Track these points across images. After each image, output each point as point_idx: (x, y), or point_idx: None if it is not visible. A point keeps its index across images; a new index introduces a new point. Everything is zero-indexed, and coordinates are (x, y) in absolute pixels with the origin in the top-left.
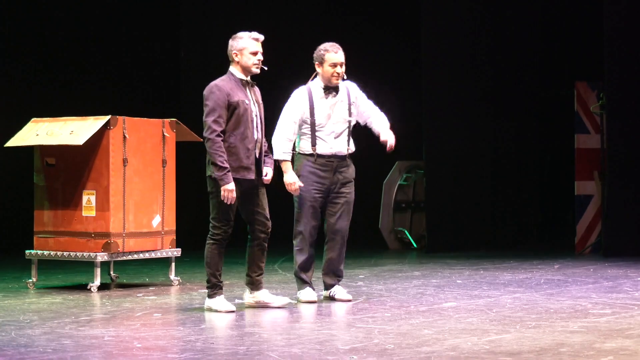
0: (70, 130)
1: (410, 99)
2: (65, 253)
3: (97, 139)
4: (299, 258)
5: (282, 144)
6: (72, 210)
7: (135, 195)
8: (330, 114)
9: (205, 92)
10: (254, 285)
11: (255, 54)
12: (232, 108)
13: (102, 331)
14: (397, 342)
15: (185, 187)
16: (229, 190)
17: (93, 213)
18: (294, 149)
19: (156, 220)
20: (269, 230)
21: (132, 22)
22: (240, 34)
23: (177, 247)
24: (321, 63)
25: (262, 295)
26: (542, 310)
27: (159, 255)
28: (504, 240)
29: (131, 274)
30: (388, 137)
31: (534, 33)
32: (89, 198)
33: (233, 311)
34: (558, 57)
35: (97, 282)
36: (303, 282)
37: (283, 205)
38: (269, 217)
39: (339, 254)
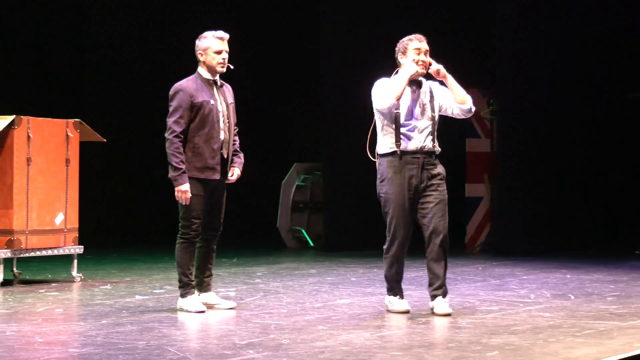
0: None
1: (308, 104)
2: None
3: (2, 139)
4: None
5: (385, 97)
6: None
7: (39, 194)
8: (413, 107)
9: (170, 92)
10: (202, 287)
11: (219, 52)
12: (196, 109)
13: (4, 326)
14: (293, 337)
15: (88, 186)
16: (182, 191)
17: None
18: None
19: (59, 218)
20: (220, 232)
21: (37, 22)
22: (205, 34)
23: (79, 245)
24: (404, 52)
25: (209, 297)
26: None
27: (61, 252)
28: None
29: (34, 271)
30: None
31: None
32: None
33: (203, 311)
34: (452, 65)
35: (0, 278)
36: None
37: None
38: (222, 219)
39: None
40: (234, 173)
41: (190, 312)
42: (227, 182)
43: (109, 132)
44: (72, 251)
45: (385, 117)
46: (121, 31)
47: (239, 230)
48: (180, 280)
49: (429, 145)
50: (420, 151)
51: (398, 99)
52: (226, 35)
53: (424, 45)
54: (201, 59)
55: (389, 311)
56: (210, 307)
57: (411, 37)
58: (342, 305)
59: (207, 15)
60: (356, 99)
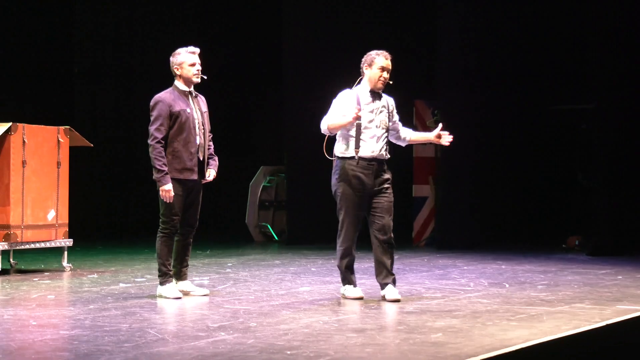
0: None
1: (273, 111)
2: None
3: (0, 143)
4: None
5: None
6: None
7: (33, 192)
8: (373, 118)
9: (151, 103)
10: (179, 276)
11: (193, 65)
12: (174, 117)
13: (2, 311)
14: (260, 321)
15: (77, 186)
16: (166, 190)
17: None
18: (330, 152)
19: (51, 214)
20: (196, 228)
21: (28, 41)
22: (178, 50)
23: (69, 238)
24: (370, 65)
25: (185, 285)
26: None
27: (53, 244)
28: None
29: (28, 261)
30: (424, 138)
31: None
32: None
33: (180, 298)
34: (400, 79)
35: None
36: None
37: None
38: (198, 216)
39: None
40: (210, 174)
41: (168, 298)
42: (203, 182)
43: (95, 137)
44: (63, 244)
45: (348, 127)
46: (106, 46)
47: (211, 226)
48: (159, 270)
49: (382, 153)
50: (375, 159)
51: (331, 134)
52: (197, 50)
53: (389, 64)
54: (177, 72)
55: (345, 298)
56: (186, 294)
57: (379, 52)
58: (303, 292)
59: (177, 26)
60: (315, 108)
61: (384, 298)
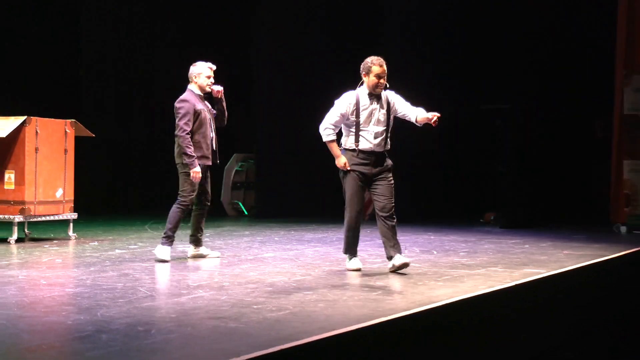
0: None
1: (244, 104)
2: None
3: (16, 133)
4: None
5: (327, 130)
6: None
7: (44, 174)
8: (371, 117)
9: (177, 103)
10: (197, 243)
11: (209, 77)
12: (196, 115)
13: (17, 272)
14: (232, 281)
15: (81, 169)
16: (196, 172)
17: (12, 187)
18: (339, 144)
19: (59, 192)
20: (210, 201)
21: (35, 43)
22: (199, 63)
23: (74, 212)
24: (367, 73)
25: (203, 250)
26: (334, 259)
27: (61, 217)
28: (310, 210)
29: (40, 231)
30: (426, 117)
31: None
32: (9, 176)
33: (167, 261)
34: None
35: (15, 236)
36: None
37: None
38: (210, 192)
39: None
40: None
41: (158, 257)
42: (219, 95)
43: (97, 129)
44: (69, 217)
45: (348, 123)
46: (110, 47)
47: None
48: (166, 233)
49: (381, 146)
50: (373, 151)
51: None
52: (214, 67)
53: (384, 71)
54: (194, 79)
55: (347, 269)
56: (203, 257)
57: (374, 61)
58: (268, 257)
59: (167, 26)
60: (282, 107)
61: (393, 266)
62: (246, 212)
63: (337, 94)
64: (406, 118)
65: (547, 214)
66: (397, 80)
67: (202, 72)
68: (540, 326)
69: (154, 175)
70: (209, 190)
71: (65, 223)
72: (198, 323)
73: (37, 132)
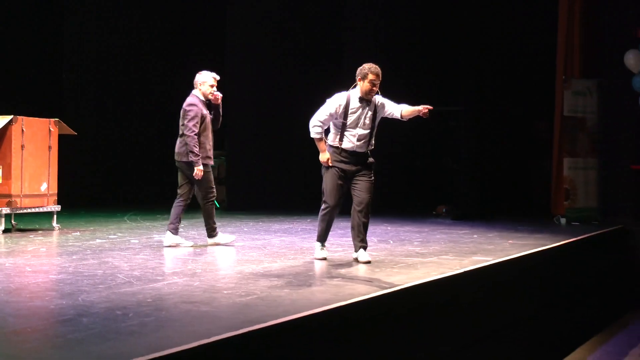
0: None
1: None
2: None
3: (3, 131)
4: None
5: (315, 127)
6: None
7: (30, 169)
8: (357, 121)
9: (186, 107)
10: (213, 232)
11: (212, 86)
12: (202, 118)
13: (4, 260)
14: (203, 268)
15: (64, 165)
16: (200, 170)
17: (0, 181)
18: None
19: (44, 186)
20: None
21: (18, 45)
22: (204, 72)
23: (58, 205)
24: (363, 78)
25: (218, 239)
26: (299, 248)
27: (45, 209)
28: (277, 203)
29: (26, 222)
30: (415, 110)
31: (375, 72)
32: None
33: (172, 246)
34: (310, 77)
35: (2, 227)
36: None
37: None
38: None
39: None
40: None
41: (165, 243)
42: (218, 101)
43: (79, 127)
44: (53, 209)
45: (336, 123)
46: (91, 51)
47: (171, 197)
48: (172, 223)
49: (363, 147)
50: (355, 151)
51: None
52: (218, 77)
53: (379, 78)
54: (199, 87)
55: (314, 258)
56: (219, 244)
57: (372, 68)
58: (238, 247)
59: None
60: (251, 107)
61: (356, 259)
62: (218, 205)
63: (302, 94)
64: (392, 116)
65: (494, 207)
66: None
67: (206, 81)
68: (488, 309)
69: (134, 171)
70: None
71: (49, 215)
72: (172, 307)
73: (23, 130)
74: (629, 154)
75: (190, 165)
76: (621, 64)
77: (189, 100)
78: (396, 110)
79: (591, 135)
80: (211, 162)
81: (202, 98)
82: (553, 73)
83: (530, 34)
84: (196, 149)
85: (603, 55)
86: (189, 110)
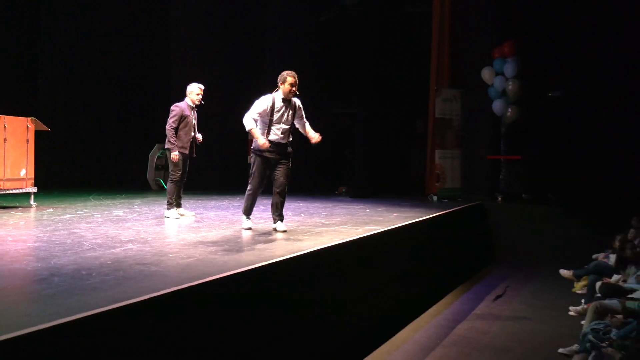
0: None
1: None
2: None
3: None
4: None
5: (249, 121)
6: None
7: (11, 158)
8: (281, 117)
9: (172, 107)
10: (179, 205)
11: (198, 94)
12: (183, 118)
13: None
14: (154, 237)
15: (40, 154)
16: (175, 155)
17: None
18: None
19: (23, 172)
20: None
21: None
22: (193, 84)
23: (34, 187)
24: (283, 82)
25: (181, 210)
26: (230, 220)
27: (24, 190)
28: (213, 184)
29: (8, 201)
30: (314, 136)
31: (292, 76)
32: None
33: (178, 218)
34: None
35: None
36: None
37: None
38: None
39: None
40: (200, 137)
41: (170, 218)
42: (199, 141)
43: (52, 124)
44: (30, 190)
45: (263, 119)
46: (68, 51)
47: (127, 180)
48: (168, 201)
49: (285, 138)
50: (278, 142)
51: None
52: (203, 87)
53: (296, 81)
54: (188, 95)
55: (242, 228)
56: (182, 215)
57: (290, 74)
58: (182, 218)
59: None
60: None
61: (275, 229)
62: (165, 187)
63: (237, 91)
64: (300, 127)
65: (382, 187)
66: (274, 86)
67: (193, 91)
68: (378, 267)
69: (99, 159)
70: (186, 171)
71: (27, 195)
72: (128, 268)
73: (5, 126)
74: (485, 147)
75: (169, 151)
76: (479, 77)
77: (177, 103)
78: (302, 125)
79: (456, 132)
80: (186, 152)
81: (191, 104)
82: (429, 83)
83: (408, 52)
84: (173, 139)
85: (466, 70)
86: (172, 110)
